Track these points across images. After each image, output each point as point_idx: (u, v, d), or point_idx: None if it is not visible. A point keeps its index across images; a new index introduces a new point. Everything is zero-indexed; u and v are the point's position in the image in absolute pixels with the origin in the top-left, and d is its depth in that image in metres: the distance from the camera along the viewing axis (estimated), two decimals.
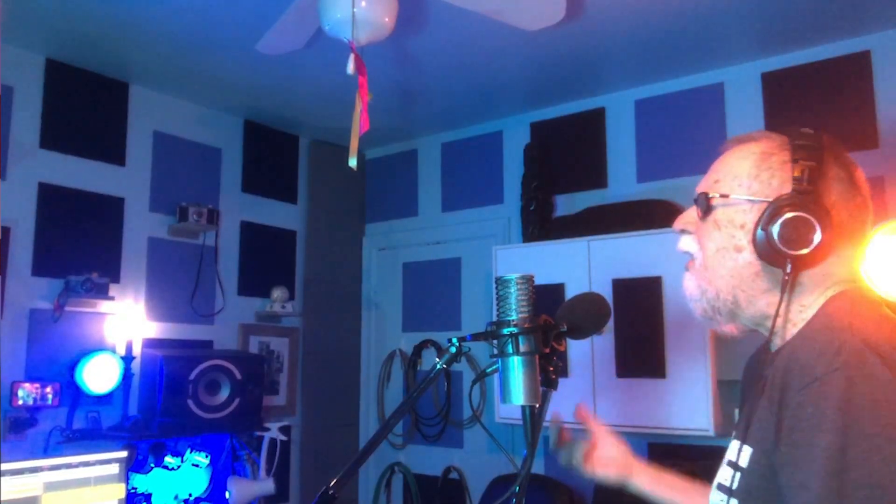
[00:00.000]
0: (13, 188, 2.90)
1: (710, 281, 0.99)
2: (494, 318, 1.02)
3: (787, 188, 0.92)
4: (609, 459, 1.30)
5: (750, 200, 0.95)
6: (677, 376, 2.81)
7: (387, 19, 2.10)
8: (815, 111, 2.93)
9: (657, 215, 3.06)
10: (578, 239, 3.15)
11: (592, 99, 3.53)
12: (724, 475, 0.97)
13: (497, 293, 1.01)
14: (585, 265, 3.09)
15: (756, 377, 0.97)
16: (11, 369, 2.80)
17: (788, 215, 0.90)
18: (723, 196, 0.97)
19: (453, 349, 1.04)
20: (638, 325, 2.83)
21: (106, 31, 2.82)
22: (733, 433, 1.00)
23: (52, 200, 3.02)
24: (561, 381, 1.03)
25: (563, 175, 3.56)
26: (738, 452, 0.92)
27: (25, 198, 2.94)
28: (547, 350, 1.01)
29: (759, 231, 0.92)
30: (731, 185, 0.97)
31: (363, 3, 2.02)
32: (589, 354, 3.03)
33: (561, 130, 3.63)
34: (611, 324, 1.13)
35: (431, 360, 4.00)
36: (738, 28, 2.80)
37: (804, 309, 0.94)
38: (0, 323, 2.78)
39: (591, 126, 3.53)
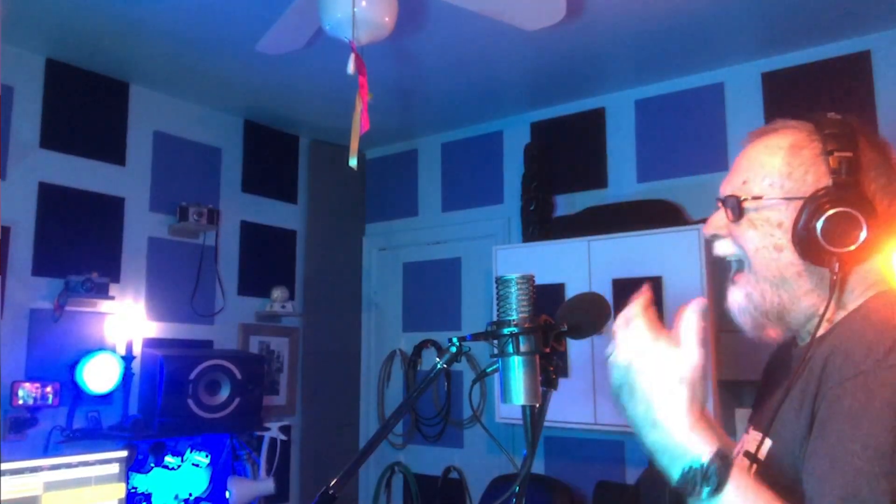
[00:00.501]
0: (13, 188, 2.90)
1: (755, 283, 0.94)
2: (494, 318, 1.02)
3: (824, 182, 0.87)
4: None
5: (787, 198, 0.90)
6: None
7: (387, 19, 2.10)
8: (815, 111, 2.92)
9: (657, 215, 3.06)
10: (578, 239, 3.15)
11: (592, 99, 3.53)
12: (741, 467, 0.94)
13: (497, 293, 1.01)
14: (585, 265, 3.09)
15: (782, 371, 0.94)
16: (11, 369, 2.80)
17: (832, 212, 0.85)
18: (755, 198, 0.92)
19: (453, 349, 1.03)
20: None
21: (106, 31, 2.82)
22: (749, 425, 0.97)
23: (52, 200, 3.02)
24: (561, 381, 1.03)
25: (563, 175, 3.56)
26: (759, 444, 0.88)
27: (25, 198, 2.94)
28: (547, 350, 1.01)
29: (801, 230, 0.87)
30: (762, 185, 0.92)
31: (363, 3, 2.02)
32: (589, 354, 3.03)
33: (561, 130, 3.63)
34: (611, 324, 1.13)
35: (431, 360, 4.00)
36: (738, 28, 2.80)
37: (842, 306, 0.90)
38: (0, 323, 2.78)
39: (591, 126, 3.53)
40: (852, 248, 0.84)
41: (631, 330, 0.88)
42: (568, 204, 3.55)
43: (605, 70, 3.24)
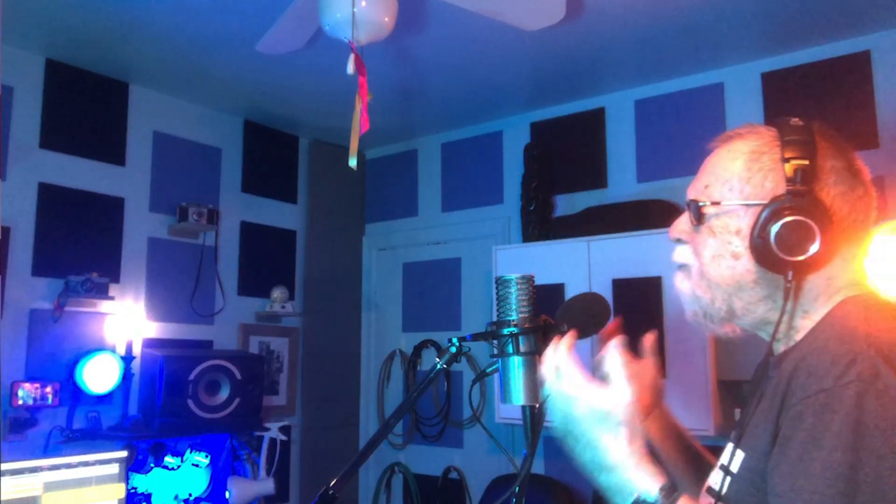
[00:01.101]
0: (13, 188, 2.90)
1: (706, 288, 0.94)
2: (494, 318, 1.02)
3: (782, 189, 0.87)
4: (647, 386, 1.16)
5: (744, 205, 0.90)
6: (677, 376, 2.81)
7: (387, 19, 2.10)
8: (815, 111, 2.93)
9: (657, 215, 3.06)
10: (578, 239, 3.15)
11: (592, 99, 3.53)
12: (715, 479, 0.93)
13: (497, 293, 1.01)
14: (585, 265, 3.09)
15: (759, 382, 0.94)
16: (11, 369, 2.80)
17: (785, 220, 0.85)
18: (714, 203, 0.92)
19: (453, 349, 1.04)
20: (638, 325, 2.83)
21: (106, 31, 2.82)
22: (731, 435, 0.99)
23: (52, 200, 3.02)
24: None
25: (563, 175, 3.56)
26: (731, 456, 0.88)
27: (25, 198, 2.94)
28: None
29: (756, 237, 0.87)
30: (722, 189, 0.92)
31: (363, 3, 2.02)
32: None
33: (561, 130, 3.63)
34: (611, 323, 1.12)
35: (431, 360, 4.00)
36: (738, 28, 2.80)
37: (807, 314, 0.90)
38: (0, 323, 2.78)
39: (591, 126, 3.53)
40: (804, 257, 0.84)
41: (562, 379, 0.92)
42: (568, 204, 3.54)
43: (605, 70, 3.24)
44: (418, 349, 4.06)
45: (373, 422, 4.22)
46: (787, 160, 0.87)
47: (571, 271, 3.11)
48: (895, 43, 2.79)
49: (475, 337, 1.02)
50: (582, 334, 1.06)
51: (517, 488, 0.98)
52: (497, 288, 1.02)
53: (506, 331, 0.99)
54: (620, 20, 2.72)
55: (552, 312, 1.04)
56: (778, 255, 0.85)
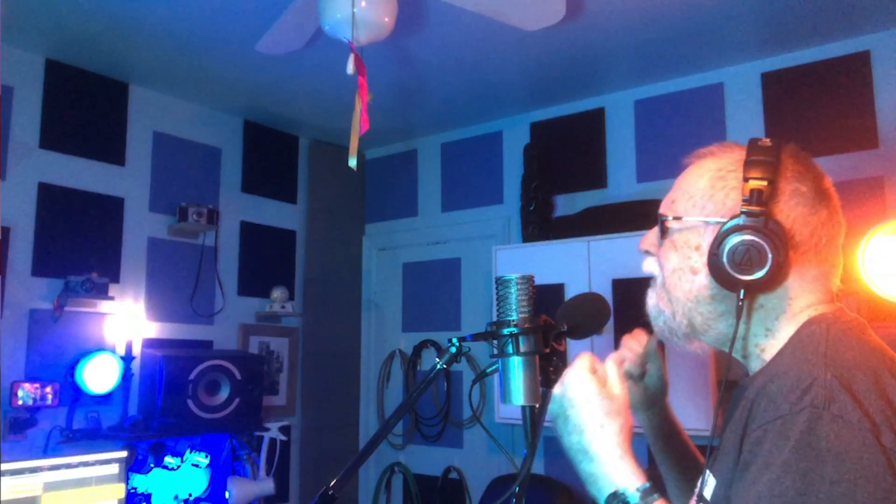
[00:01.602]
0: (13, 188, 2.90)
1: (668, 302, 0.96)
2: (494, 318, 1.02)
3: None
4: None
5: (705, 222, 0.91)
6: (677, 376, 2.80)
7: (387, 19, 2.10)
8: (814, 111, 2.93)
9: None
10: (578, 239, 3.15)
11: (592, 99, 3.53)
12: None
13: (497, 293, 1.01)
14: (585, 265, 3.09)
15: (735, 404, 0.93)
16: (11, 369, 2.80)
17: (736, 239, 0.85)
18: (676, 218, 0.94)
19: (453, 349, 1.04)
20: (638, 326, 2.83)
21: (106, 31, 2.82)
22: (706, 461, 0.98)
23: (52, 200, 3.02)
24: None
25: (563, 175, 3.56)
26: (704, 483, 0.87)
27: (25, 198, 2.94)
28: (547, 350, 1.01)
29: (712, 255, 0.87)
30: (686, 205, 0.94)
31: (363, 3, 2.02)
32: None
33: (561, 130, 3.63)
34: (611, 324, 1.12)
35: (431, 360, 4.00)
36: (738, 28, 2.80)
37: (771, 333, 0.90)
38: (0, 323, 2.77)
39: (591, 126, 3.53)
40: (756, 276, 0.84)
41: (572, 367, 0.97)
42: (568, 204, 3.54)
43: (605, 70, 3.24)
44: (418, 349, 4.06)
45: (373, 422, 4.22)
46: (746, 180, 0.87)
47: (571, 271, 3.11)
48: (895, 43, 2.79)
49: (475, 337, 1.02)
50: (582, 334, 1.07)
51: (517, 488, 0.98)
52: (497, 288, 1.02)
53: (506, 331, 0.99)
54: (620, 20, 2.72)
55: (552, 312, 1.04)
56: (729, 272, 0.86)
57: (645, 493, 0.84)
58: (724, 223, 0.87)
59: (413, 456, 4.02)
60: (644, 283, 1.02)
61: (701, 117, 3.20)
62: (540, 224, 3.45)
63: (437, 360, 1.05)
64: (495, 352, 1.01)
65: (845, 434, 0.71)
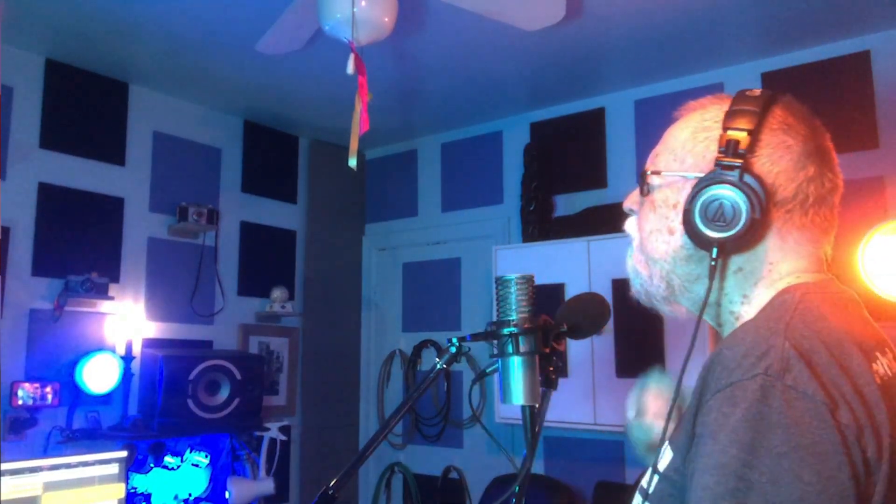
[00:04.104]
0: (13, 188, 2.89)
1: (645, 264, 0.91)
2: (494, 318, 1.02)
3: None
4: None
5: (684, 177, 0.85)
6: (677, 376, 2.80)
7: (387, 19, 2.10)
8: (815, 111, 2.92)
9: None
10: (578, 239, 3.15)
11: (592, 99, 3.53)
12: (646, 476, 0.87)
13: (497, 293, 1.01)
14: (585, 265, 3.09)
15: None
16: (11, 369, 2.80)
17: (711, 192, 0.79)
18: (655, 173, 0.88)
19: (453, 349, 1.03)
20: (638, 325, 2.83)
21: (106, 31, 2.82)
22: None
23: (52, 200, 3.02)
24: (561, 381, 1.03)
25: (563, 175, 3.56)
26: (660, 455, 0.82)
27: (25, 198, 2.94)
28: (547, 350, 1.01)
29: (686, 211, 0.81)
30: (668, 159, 0.88)
31: (363, 3, 2.02)
32: (589, 354, 3.03)
33: (561, 130, 3.63)
34: (610, 324, 1.12)
35: (431, 360, 4.00)
36: (738, 28, 2.80)
37: (747, 300, 0.84)
38: (0, 323, 2.77)
39: (591, 126, 3.53)
40: (729, 233, 0.78)
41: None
42: (568, 204, 3.54)
43: (605, 70, 3.24)
44: (418, 349, 4.06)
45: (373, 422, 4.22)
46: (725, 130, 0.81)
47: (571, 271, 3.11)
48: (895, 43, 2.79)
49: (475, 337, 1.01)
50: (582, 334, 1.06)
51: (517, 488, 0.98)
52: (497, 288, 1.01)
53: (505, 331, 0.98)
54: (620, 20, 2.72)
55: (552, 312, 1.04)
56: (702, 230, 0.80)
57: None
58: (704, 176, 0.81)
59: (413, 456, 4.02)
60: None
61: None
62: (540, 224, 3.45)
63: (437, 360, 1.05)
64: (495, 352, 1.00)
65: (798, 405, 0.66)
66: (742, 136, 0.80)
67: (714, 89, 3.17)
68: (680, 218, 0.84)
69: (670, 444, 0.82)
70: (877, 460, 0.66)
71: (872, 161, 2.77)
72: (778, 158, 0.81)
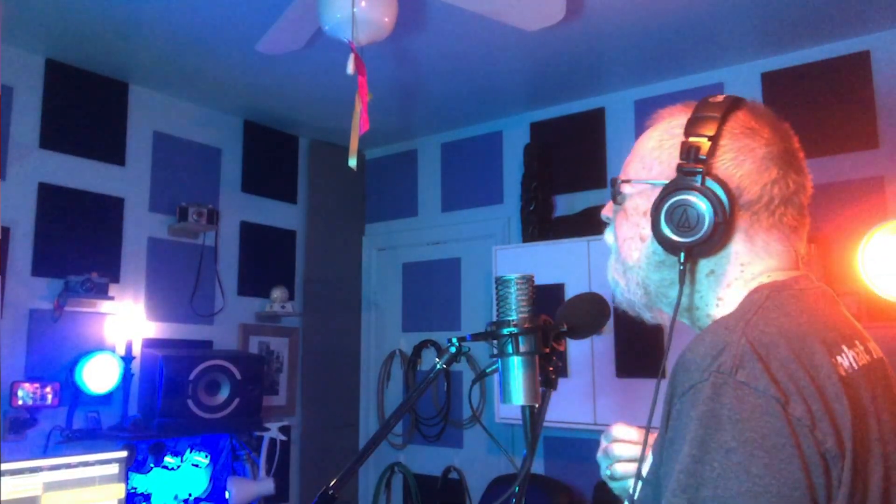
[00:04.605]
0: (13, 188, 2.90)
1: (622, 274, 0.93)
2: (494, 318, 1.02)
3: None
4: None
5: (651, 184, 0.86)
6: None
7: (387, 19, 2.10)
8: (814, 111, 2.93)
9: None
10: (578, 239, 3.15)
11: (592, 99, 3.53)
12: (631, 483, 0.90)
13: (497, 293, 1.01)
14: (585, 265, 3.09)
15: None
16: (11, 369, 2.80)
17: (674, 198, 0.81)
18: (625, 181, 0.90)
19: (453, 349, 1.03)
20: (638, 325, 2.83)
21: (106, 31, 2.82)
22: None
23: (52, 200, 3.02)
24: (561, 381, 1.03)
25: (563, 175, 3.56)
26: (643, 460, 0.84)
27: (25, 198, 2.94)
28: (547, 350, 1.01)
29: (652, 217, 0.83)
30: (637, 167, 0.90)
31: (363, 3, 2.02)
32: (589, 354, 3.03)
33: (561, 130, 3.63)
34: (610, 324, 1.12)
35: (431, 360, 4.00)
36: (738, 28, 2.80)
37: (722, 302, 0.85)
38: (0, 323, 2.77)
39: (591, 126, 3.53)
40: (695, 237, 0.80)
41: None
42: (568, 204, 3.54)
43: (605, 70, 3.24)
44: (418, 349, 4.06)
45: (373, 422, 4.22)
46: (686, 137, 0.83)
47: (571, 271, 3.11)
48: (895, 43, 2.79)
49: (475, 337, 1.01)
50: (582, 334, 1.06)
51: (517, 488, 0.98)
52: (497, 288, 1.01)
53: (505, 331, 0.98)
54: (620, 20, 2.72)
55: (552, 312, 1.04)
56: (668, 236, 0.82)
57: None
58: (670, 182, 0.82)
59: (413, 456, 4.02)
60: None
61: None
62: (540, 224, 3.45)
63: (437, 360, 1.05)
64: (495, 352, 1.00)
65: (749, 401, 0.67)
66: (703, 142, 0.81)
67: (714, 89, 3.18)
68: (650, 224, 0.85)
69: (652, 450, 0.83)
70: (837, 452, 0.67)
71: (872, 161, 2.77)
72: (741, 162, 0.82)
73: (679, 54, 3.04)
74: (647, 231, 0.86)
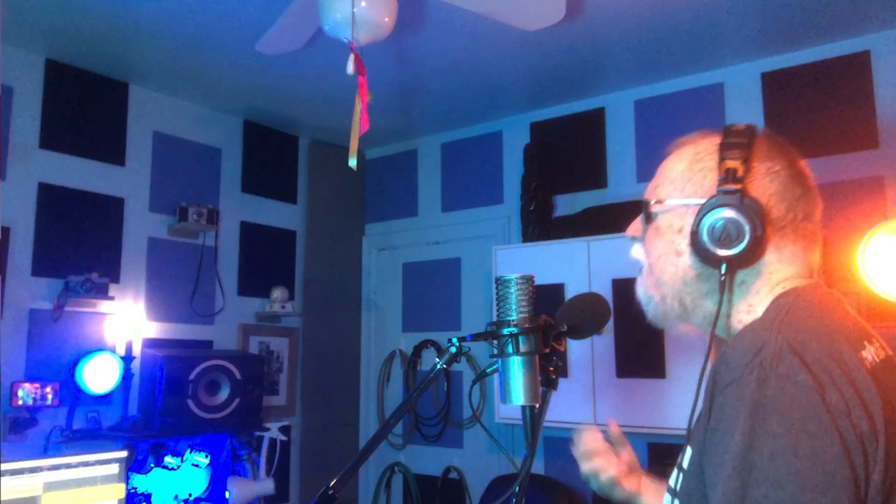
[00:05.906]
0: (13, 188, 2.90)
1: (656, 287, 0.99)
2: (494, 318, 1.02)
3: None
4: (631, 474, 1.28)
5: (685, 204, 0.95)
6: (677, 376, 2.81)
7: (387, 19, 2.10)
8: (814, 111, 2.93)
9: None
10: (578, 239, 3.15)
11: (592, 99, 3.53)
12: (673, 476, 0.96)
13: (497, 293, 1.01)
14: (585, 265, 3.09)
15: None
16: (11, 369, 2.80)
17: (716, 214, 0.90)
18: (659, 202, 0.98)
19: (453, 349, 1.04)
20: (638, 325, 2.83)
21: (106, 31, 2.82)
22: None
23: (52, 200, 3.02)
24: (561, 381, 1.03)
25: (562, 175, 3.56)
26: (683, 453, 0.92)
27: (25, 198, 2.94)
28: (547, 350, 1.01)
29: (693, 233, 0.92)
30: (668, 189, 0.98)
31: (363, 3, 2.02)
32: (589, 354, 3.03)
33: (561, 130, 3.63)
34: (611, 324, 1.13)
35: (431, 360, 4.00)
36: (738, 28, 2.80)
37: (752, 308, 0.93)
38: (0, 323, 2.78)
39: (591, 126, 3.53)
40: (736, 250, 0.89)
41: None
42: (568, 204, 3.55)
43: (604, 70, 3.24)
44: (418, 349, 4.06)
45: (373, 422, 4.22)
46: (722, 160, 0.92)
47: (571, 271, 3.11)
48: (895, 43, 2.79)
49: (475, 337, 1.02)
50: (582, 334, 1.07)
51: (517, 488, 0.98)
52: (497, 288, 1.02)
53: (506, 331, 0.99)
54: (620, 20, 2.72)
55: (552, 312, 1.04)
56: (710, 249, 0.90)
57: None
58: (707, 202, 0.91)
59: (413, 456, 4.02)
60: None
61: (701, 117, 3.19)
62: (540, 224, 3.45)
63: (437, 360, 1.05)
64: (495, 352, 1.01)
65: (790, 391, 0.74)
66: (738, 164, 0.91)
67: (714, 89, 3.18)
68: (686, 241, 0.94)
69: (690, 442, 0.90)
70: (871, 434, 0.74)
71: (872, 161, 2.77)
72: (769, 182, 0.92)
73: (679, 54, 3.04)
74: (683, 246, 0.95)
